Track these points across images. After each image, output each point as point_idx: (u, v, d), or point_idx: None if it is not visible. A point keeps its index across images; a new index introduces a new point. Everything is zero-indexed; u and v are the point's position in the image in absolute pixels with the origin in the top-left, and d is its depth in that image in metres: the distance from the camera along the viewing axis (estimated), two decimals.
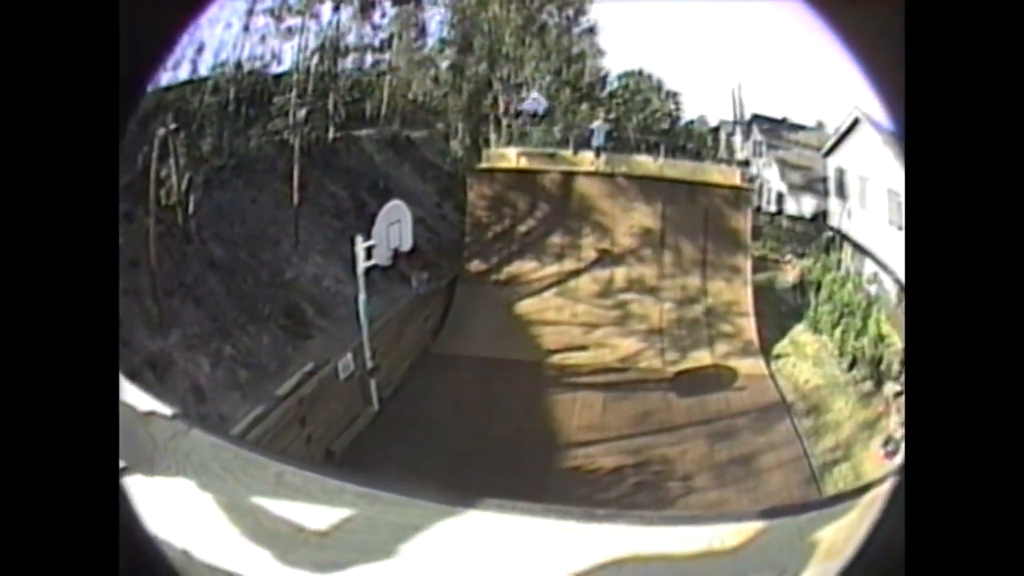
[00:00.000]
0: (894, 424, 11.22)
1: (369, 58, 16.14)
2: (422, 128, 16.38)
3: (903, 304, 13.36)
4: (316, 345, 11.67)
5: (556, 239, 15.22)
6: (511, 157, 15.77)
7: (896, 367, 12.09)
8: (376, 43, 16.03)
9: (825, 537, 1.96)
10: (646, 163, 15.87)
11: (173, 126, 11.54)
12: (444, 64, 16.72)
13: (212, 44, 13.55)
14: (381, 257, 11.56)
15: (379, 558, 2.18)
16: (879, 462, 10.43)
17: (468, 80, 16.33)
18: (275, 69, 14.50)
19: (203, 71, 13.49)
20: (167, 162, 11.42)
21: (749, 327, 14.06)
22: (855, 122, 15.63)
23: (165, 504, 2.32)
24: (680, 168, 15.99)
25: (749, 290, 14.57)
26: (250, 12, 13.96)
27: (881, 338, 12.81)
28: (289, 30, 14.29)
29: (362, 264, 11.31)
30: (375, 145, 15.62)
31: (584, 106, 17.04)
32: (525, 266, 15.01)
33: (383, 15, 15.87)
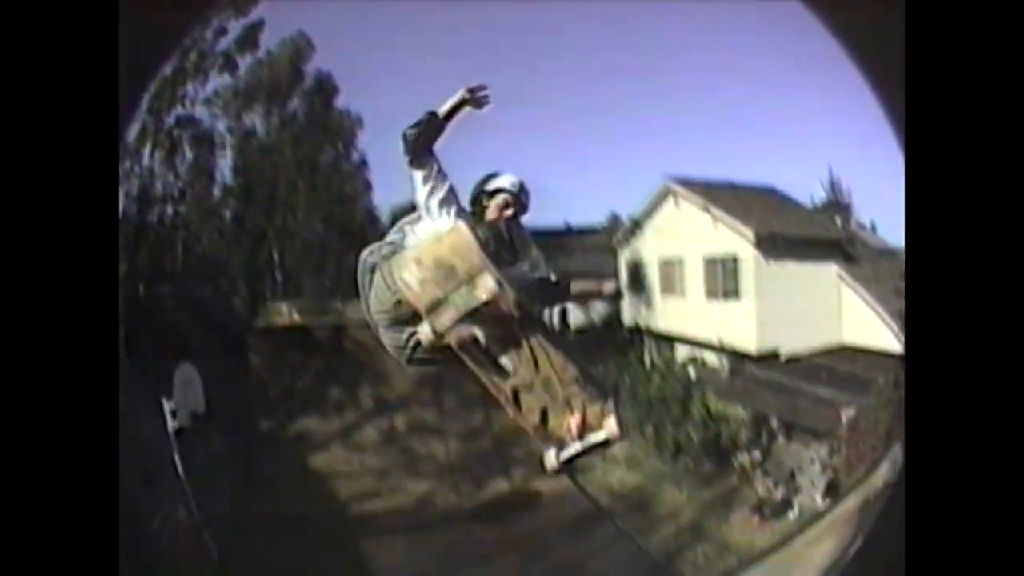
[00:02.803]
0: (763, 489, 11.99)
1: (170, 210, 15.25)
2: (209, 285, 15.81)
3: (737, 373, 14.02)
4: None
5: (334, 392, 15.45)
6: (284, 312, 16.04)
7: (743, 437, 12.86)
8: (176, 193, 15.28)
9: None
10: None
11: None
12: (227, 215, 16.19)
13: None
14: (183, 420, 11.49)
15: None
16: (754, 528, 11.39)
17: (248, 233, 16.07)
18: None
19: None
20: None
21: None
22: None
23: None
24: None
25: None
26: None
27: (712, 417, 13.32)
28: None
29: (171, 425, 11.26)
30: (173, 303, 14.80)
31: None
32: (309, 422, 15.00)
33: (183, 160, 15.08)
